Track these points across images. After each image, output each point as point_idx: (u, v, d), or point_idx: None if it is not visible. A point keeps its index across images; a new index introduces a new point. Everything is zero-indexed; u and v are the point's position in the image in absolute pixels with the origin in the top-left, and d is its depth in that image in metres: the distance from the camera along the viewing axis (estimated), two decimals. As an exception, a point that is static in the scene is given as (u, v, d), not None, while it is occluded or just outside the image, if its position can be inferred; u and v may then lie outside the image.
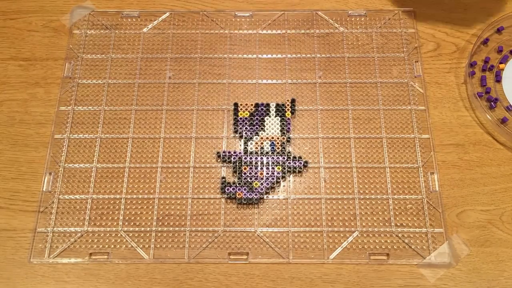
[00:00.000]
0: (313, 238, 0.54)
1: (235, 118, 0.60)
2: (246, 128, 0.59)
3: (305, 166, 0.58)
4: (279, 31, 0.66)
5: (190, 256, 0.53)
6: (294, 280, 0.52)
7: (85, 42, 0.65)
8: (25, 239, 0.54)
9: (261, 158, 0.58)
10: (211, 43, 0.65)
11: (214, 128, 0.60)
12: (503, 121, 0.59)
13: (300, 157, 0.58)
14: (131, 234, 0.55)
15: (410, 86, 0.62)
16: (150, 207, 0.56)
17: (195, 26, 0.66)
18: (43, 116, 0.60)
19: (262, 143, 0.59)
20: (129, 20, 0.67)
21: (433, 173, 0.57)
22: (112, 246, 0.54)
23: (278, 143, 0.58)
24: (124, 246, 0.54)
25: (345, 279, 0.52)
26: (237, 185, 0.56)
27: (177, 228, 0.55)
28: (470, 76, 0.61)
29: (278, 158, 0.58)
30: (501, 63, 0.63)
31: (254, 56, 0.64)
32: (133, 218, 0.55)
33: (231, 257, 0.54)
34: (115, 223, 0.55)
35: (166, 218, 0.55)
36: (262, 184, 0.56)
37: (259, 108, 0.60)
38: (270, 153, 0.58)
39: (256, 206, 0.56)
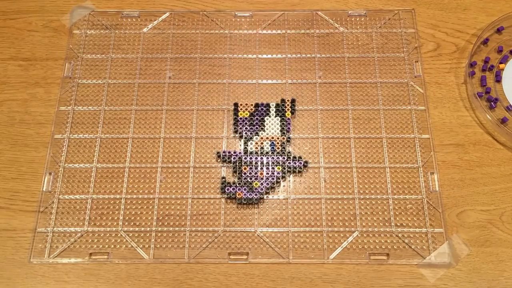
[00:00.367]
0: (313, 238, 0.54)
1: (235, 118, 0.60)
2: (246, 128, 0.59)
3: (305, 166, 0.58)
4: (279, 31, 0.66)
5: (190, 256, 0.53)
6: (294, 280, 0.52)
7: (85, 42, 0.65)
8: (25, 239, 0.54)
9: (261, 158, 0.58)
10: (211, 43, 0.65)
11: (214, 128, 0.60)
12: (503, 121, 0.59)
13: (300, 157, 0.58)
14: (131, 234, 0.55)
15: (410, 86, 0.62)
16: (150, 207, 0.56)
17: (195, 26, 0.66)
18: (43, 116, 0.60)
19: (262, 143, 0.59)
20: (129, 20, 0.67)
21: (433, 173, 0.57)
22: (112, 246, 0.54)
23: (278, 143, 0.58)
24: (124, 246, 0.54)
25: (345, 279, 0.52)
26: (237, 185, 0.56)
27: (177, 228, 0.55)
28: (470, 76, 0.61)
29: (278, 158, 0.58)
30: (501, 63, 0.63)
31: (254, 56, 0.64)
32: (133, 218, 0.55)
33: (231, 257, 0.54)
34: (115, 223, 0.55)
35: (166, 218, 0.55)
36: (262, 184, 0.56)
37: (259, 108, 0.60)
38: (270, 153, 0.58)
39: (256, 206, 0.56)
